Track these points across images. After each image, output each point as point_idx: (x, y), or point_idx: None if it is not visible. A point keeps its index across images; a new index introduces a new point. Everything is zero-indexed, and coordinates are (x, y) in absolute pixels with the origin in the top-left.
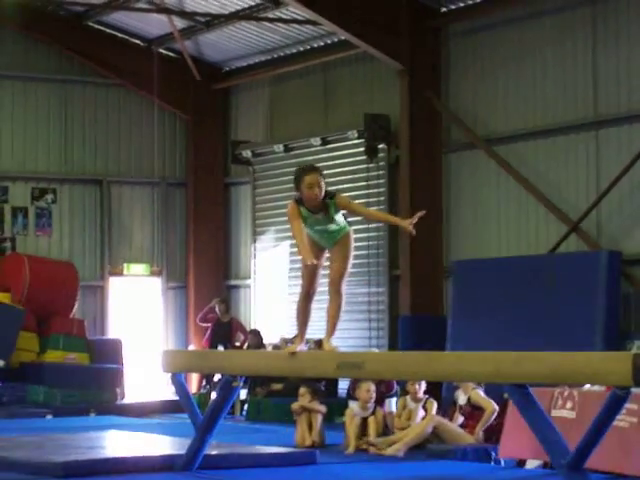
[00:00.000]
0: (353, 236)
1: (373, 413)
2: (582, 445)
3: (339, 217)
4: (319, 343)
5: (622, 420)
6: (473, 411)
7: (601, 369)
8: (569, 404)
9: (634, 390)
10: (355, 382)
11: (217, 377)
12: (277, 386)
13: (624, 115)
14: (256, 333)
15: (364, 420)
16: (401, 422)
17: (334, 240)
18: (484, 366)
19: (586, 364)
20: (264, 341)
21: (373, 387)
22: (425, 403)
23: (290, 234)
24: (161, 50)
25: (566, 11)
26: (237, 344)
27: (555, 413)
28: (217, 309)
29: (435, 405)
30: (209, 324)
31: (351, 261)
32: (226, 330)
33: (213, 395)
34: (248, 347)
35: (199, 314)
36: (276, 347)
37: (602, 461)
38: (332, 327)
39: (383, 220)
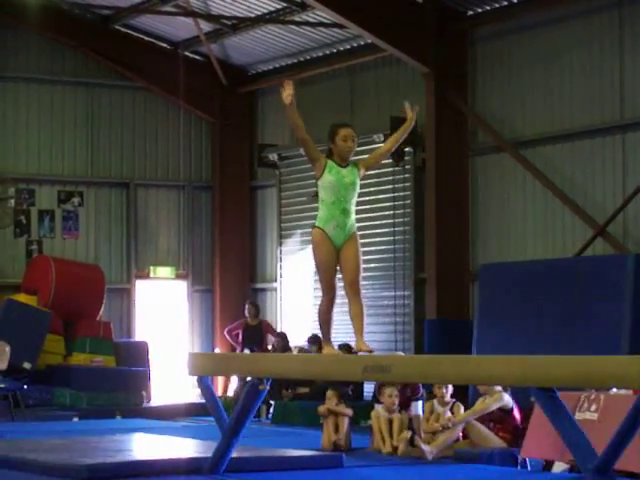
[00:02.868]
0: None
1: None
2: (609, 448)
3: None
4: (344, 347)
5: None
6: (503, 416)
7: (628, 373)
8: (594, 407)
9: None
10: (380, 386)
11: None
12: (303, 389)
13: None
14: (282, 336)
15: (389, 422)
16: (429, 426)
17: (352, 195)
18: (511, 369)
19: (613, 368)
20: (290, 344)
21: (396, 392)
22: (452, 407)
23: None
24: (187, 53)
25: (593, 14)
26: (269, 347)
27: (579, 416)
28: (246, 312)
29: (462, 408)
30: (234, 335)
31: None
32: (256, 333)
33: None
34: (274, 350)
35: (228, 326)
36: (302, 350)
37: (627, 462)
38: (362, 327)
39: (400, 137)
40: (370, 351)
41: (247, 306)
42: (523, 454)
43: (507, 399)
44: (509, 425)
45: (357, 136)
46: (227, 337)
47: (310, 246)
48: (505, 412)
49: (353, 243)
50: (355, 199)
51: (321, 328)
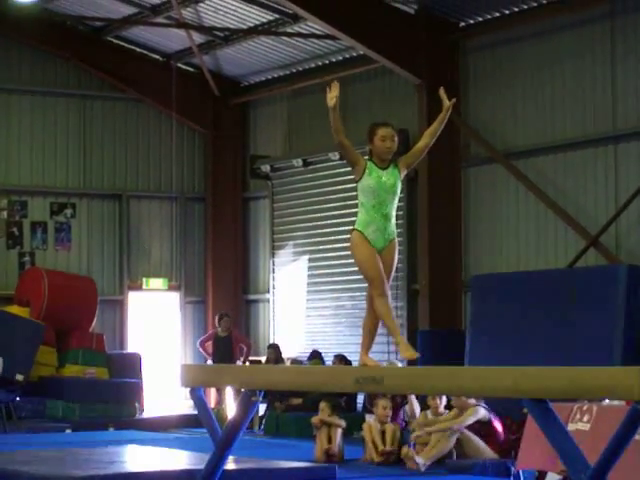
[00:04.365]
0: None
1: None
2: (602, 460)
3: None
4: (339, 358)
5: (639, 434)
6: (482, 428)
7: (620, 384)
8: (586, 417)
9: None
10: (371, 397)
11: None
12: (296, 400)
13: None
14: (275, 347)
15: (382, 433)
16: (422, 436)
17: (392, 199)
18: (503, 381)
19: (605, 379)
20: (282, 355)
21: (390, 404)
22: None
23: (308, 248)
24: (180, 65)
25: (585, 25)
26: (241, 358)
27: (571, 426)
28: (219, 324)
29: (474, 412)
30: (205, 347)
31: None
32: (226, 344)
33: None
34: (267, 361)
35: (200, 338)
36: (295, 362)
37: (618, 474)
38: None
39: (437, 129)
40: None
41: (223, 317)
42: (518, 466)
43: (482, 412)
44: (493, 437)
45: (396, 135)
46: (200, 349)
47: (302, 257)
48: (483, 424)
49: (392, 250)
50: (396, 203)
51: (390, 331)
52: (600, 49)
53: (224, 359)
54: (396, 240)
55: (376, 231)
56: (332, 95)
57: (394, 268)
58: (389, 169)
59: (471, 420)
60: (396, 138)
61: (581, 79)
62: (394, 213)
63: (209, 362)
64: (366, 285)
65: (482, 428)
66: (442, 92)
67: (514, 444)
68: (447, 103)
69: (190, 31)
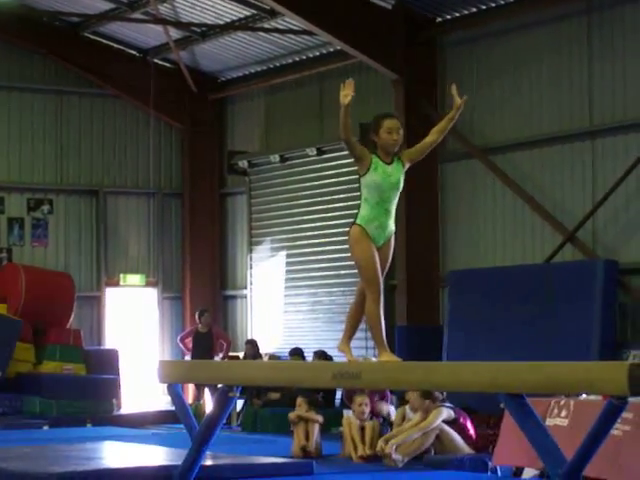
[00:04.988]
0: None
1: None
2: (579, 454)
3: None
4: (319, 354)
5: (616, 429)
6: (450, 426)
7: (597, 378)
8: (564, 412)
9: (631, 399)
10: (348, 392)
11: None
12: (274, 395)
13: (619, 125)
14: (253, 343)
15: (361, 429)
16: (399, 431)
17: (396, 195)
18: (480, 376)
19: (582, 373)
20: (260, 351)
21: (366, 400)
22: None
23: (286, 244)
24: (157, 60)
25: (562, 21)
26: (220, 354)
27: (549, 422)
28: (199, 320)
29: (442, 413)
30: (185, 343)
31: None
32: (206, 340)
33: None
34: (245, 357)
35: (180, 334)
36: (273, 357)
37: (595, 469)
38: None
39: (446, 127)
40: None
41: (203, 314)
42: (495, 462)
43: (446, 412)
44: (462, 434)
45: (402, 127)
46: (180, 344)
47: (280, 252)
48: (450, 423)
49: (389, 246)
50: (397, 199)
51: (373, 333)
52: (577, 45)
53: (204, 355)
54: (393, 236)
55: (378, 228)
56: (346, 92)
57: (389, 263)
58: (393, 164)
59: (435, 423)
60: (401, 130)
61: (558, 75)
62: (394, 208)
63: (187, 358)
64: (344, 281)
65: (450, 427)
66: (454, 89)
67: (492, 439)
68: (458, 101)
69: (167, 27)
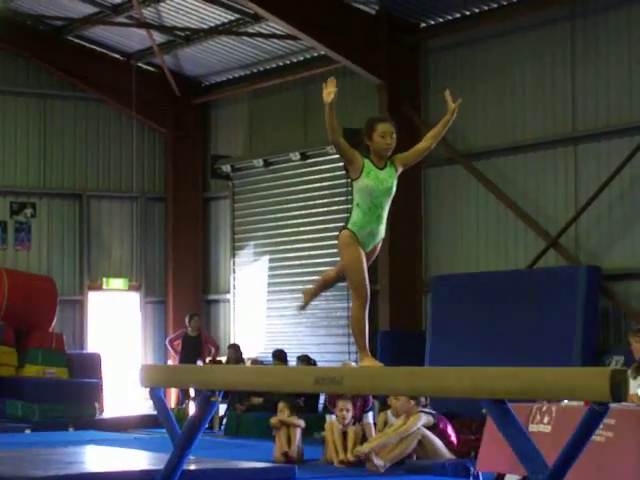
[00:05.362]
0: None
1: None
2: (560, 460)
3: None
4: (303, 359)
5: (598, 435)
6: (430, 431)
7: (579, 385)
8: (546, 419)
9: (613, 405)
10: (331, 396)
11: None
12: (257, 400)
13: (602, 131)
14: (235, 347)
15: (344, 434)
16: (378, 436)
17: (388, 200)
18: (462, 381)
19: (564, 379)
20: (243, 356)
21: (349, 406)
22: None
23: (269, 249)
24: (140, 64)
25: (545, 27)
26: (208, 359)
27: (532, 428)
28: (188, 324)
29: (421, 419)
30: (174, 346)
31: None
32: (195, 345)
33: (191, 409)
34: (227, 362)
35: (170, 336)
36: (255, 362)
37: (577, 475)
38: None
39: (440, 132)
40: None
41: (193, 317)
42: (479, 468)
43: (425, 418)
44: (443, 440)
45: (395, 132)
46: (168, 347)
47: (263, 257)
48: (430, 428)
49: (375, 251)
50: (389, 204)
51: (356, 338)
52: (560, 51)
53: (192, 359)
54: (381, 241)
55: (369, 235)
56: (329, 90)
57: (371, 262)
58: (387, 168)
59: (413, 428)
60: (395, 135)
61: (541, 80)
62: (386, 214)
63: (170, 362)
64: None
65: (431, 432)
66: (448, 94)
67: (474, 444)
68: (452, 105)
69: (151, 31)
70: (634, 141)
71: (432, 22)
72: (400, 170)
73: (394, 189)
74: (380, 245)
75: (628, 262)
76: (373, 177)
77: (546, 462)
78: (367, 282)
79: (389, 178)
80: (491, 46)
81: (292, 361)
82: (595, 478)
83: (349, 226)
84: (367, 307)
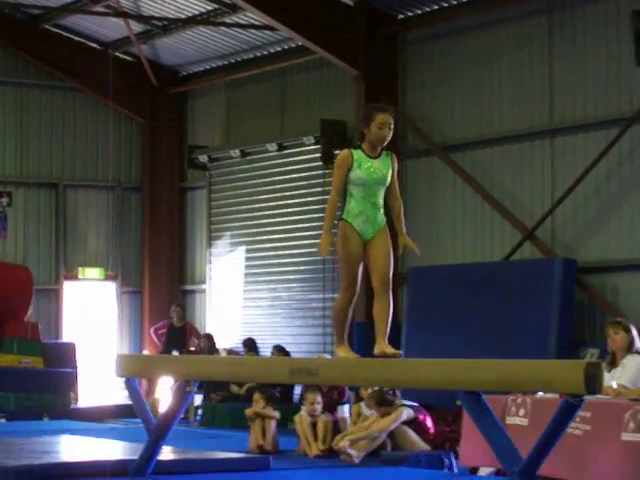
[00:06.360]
0: None
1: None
2: (534, 452)
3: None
4: (278, 349)
5: (576, 428)
6: (409, 425)
7: (554, 377)
8: (522, 411)
9: (588, 398)
10: (303, 391)
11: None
12: (237, 389)
13: (579, 124)
14: (209, 337)
15: (314, 425)
16: (358, 429)
17: (382, 188)
18: (437, 373)
19: (539, 372)
20: (217, 346)
21: (318, 398)
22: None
23: (245, 239)
24: (118, 54)
25: (523, 19)
26: (192, 349)
27: (509, 420)
28: (172, 314)
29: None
30: (160, 334)
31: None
32: (180, 335)
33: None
34: (200, 351)
35: (154, 325)
36: (231, 352)
37: (556, 468)
38: (386, 328)
39: (396, 219)
40: (395, 355)
41: (173, 307)
42: (462, 463)
43: (406, 413)
44: (421, 433)
45: (394, 122)
46: (152, 335)
47: (239, 247)
48: (410, 423)
49: (383, 236)
50: (384, 191)
51: (335, 328)
52: (538, 43)
53: (176, 349)
54: (386, 227)
55: (366, 222)
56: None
57: (391, 254)
58: (381, 158)
59: (395, 424)
60: (393, 126)
61: (519, 73)
62: (382, 201)
63: (145, 352)
64: (303, 277)
65: (409, 426)
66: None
67: (449, 436)
68: (402, 240)
69: (128, 20)
70: (611, 134)
71: (410, 14)
72: (396, 166)
73: (389, 179)
74: (387, 234)
75: (604, 255)
76: (364, 168)
77: (520, 454)
78: (355, 275)
79: (383, 168)
80: (469, 38)
81: (268, 351)
82: (574, 471)
83: (344, 217)
84: (353, 301)
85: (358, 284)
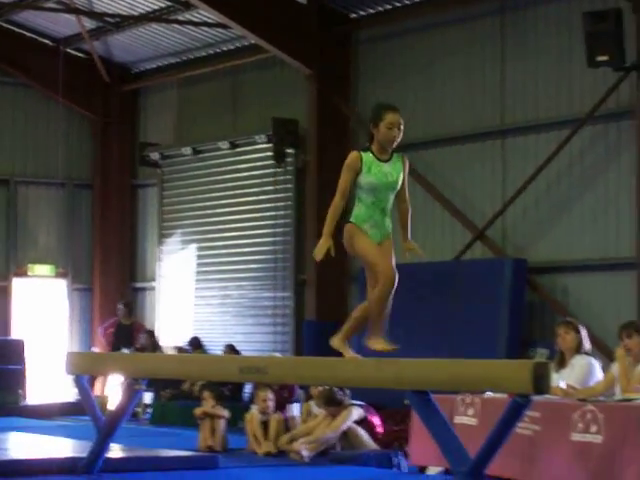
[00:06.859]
0: None
1: None
2: (482, 452)
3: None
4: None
5: (525, 428)
6: (358, 425)
7: (502, 377)
8: (471, 411)
9: (537, 398)
10: (254, 389)
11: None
12: (189, 386)
13: (531, 124)
14: (150, 334)
15: (264, 424)
16: (307, 428)
17: (392, 194)
18: (385, 372)
19: (487, 371)
20: (161, 343)
21: (270, 395)
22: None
23: (197, 237)
24: (70, 50)
25: (475, 20)
26: (138, 347)
27: (457, 420)
28: (118, 311)
29: (351, 411)
30: (109, 333)
31: None
32: (128, 333)
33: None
34: (143, 349)
35: (103, 324)
36: (181, 350)
37: (506, 468)
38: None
39: (402, 223)
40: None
41: (120, 305)
42: (412, 462)
43: (356, 413)
44: (370, 433)
45: (402, 123)
46: (100, 334)
47: (190, 245)
48: (359, 422)
49: (388, 245)
50: (393, 197)
51: (374, 321)
52: (490, 44)
53: (126, 347)
54: (391, 237)
55: (374, 227)
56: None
57: (393, 265)
58: (391, 161)
59: (345, 425)
60: (402, 126)
61: (471, 73)
62: (391, 206)
63: (95, 349)
64: (254, 275)
65: (359, 426)
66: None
67: (398, 435)
68: (405, 245)
69: (81, 16)
70: (562, 135)
71: (363, 13)
72: (407, 168)
73: (399, 184)
74: (392, 245)
75: (554, 255)
76: (375, 172)
77: (468, 453)
78: (388, 263)
79: (393, 172)
80: (421, 38)
81: (218, 350)
82: (524, 471)
83: (352, 220)
84: (392, 291)
85: (395, 271)
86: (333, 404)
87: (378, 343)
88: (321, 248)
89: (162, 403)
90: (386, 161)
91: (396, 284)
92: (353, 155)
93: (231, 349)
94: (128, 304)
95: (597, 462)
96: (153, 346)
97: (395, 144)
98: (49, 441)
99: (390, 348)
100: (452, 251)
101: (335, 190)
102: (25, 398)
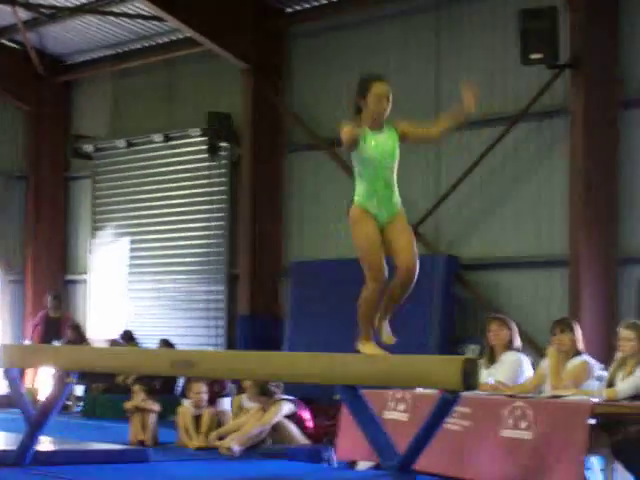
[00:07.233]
0: None
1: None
2: (411, 447)
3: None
4: (164, 342)
5: (455, 424)
6: (289, 419)
7: (432, 372)
8: (402, 406)
9: (466, 394)
10: (188, 382)
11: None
12: (123, 379)
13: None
14: (75, 327)
15: (197, 418)
16: (236, 424)
17: (393, 164)
18: (315, 366)
19: (417, 367)
20: (90, 336)
21: (204, 388)
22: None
23: (130, 230)
24: (3, 41)
25: (411, 15)
26: (65, 341)
27: (388, 415)
28: (47, 304)
29: (282, 405)
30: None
31: None
32: (57, 326)
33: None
34: (68, 343)
35: (33, 320)
36: (115, 343)
37: (435, 464)
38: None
39: (448, 124)
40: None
41: (49, 297)
42: (338, 456)
43: (286, 408)
44: (301, 427)
45: (390, 92)
46: (32, 332)
47: (122, 238)
48: (289, 417)
49: (401, 220)
50: (396, 168)
51: (362, 322)
52: (425, 41)
53: (56, 340)
54: (403, 211)
55: (379, 203)
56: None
57: (411, 239)
58: (385, 130)
59: (275, 419)
60: (391, 96)
61: (406, 69)
62: (395, 180)
63: (26, 342)
64: (188, 268)
65: (289, 420)
66: (465, 87)
67: (330, 430)
68: (469, 100)
69: (15, 7)
70: (496, 132)
71: (298, 7)
72: (400, 134)
73: (397, 151)
74: (404, 218)
75: (485, 252)
76: (371, 143)
77: (397, 448)
78: (383, 262)
79: (389, 141)
80: (356, 33)
81: (152, 343)
82: (454, 467)
83: (355, 199)
84: (381, 291)
85: (385, 273)
86: (266, 394)
87: (368, 348)
88: (349, 131)
89: (93, 396)
90: (380, 131)
91: (384, 283)
92: (348, 127)
93: (166, 343)
94: (57, 296)
95: (527, 458)
96: (80, 340)
97: (385, 116)
98: None
99: (379, 353)
100: None
101: (268, 184)
102: None
